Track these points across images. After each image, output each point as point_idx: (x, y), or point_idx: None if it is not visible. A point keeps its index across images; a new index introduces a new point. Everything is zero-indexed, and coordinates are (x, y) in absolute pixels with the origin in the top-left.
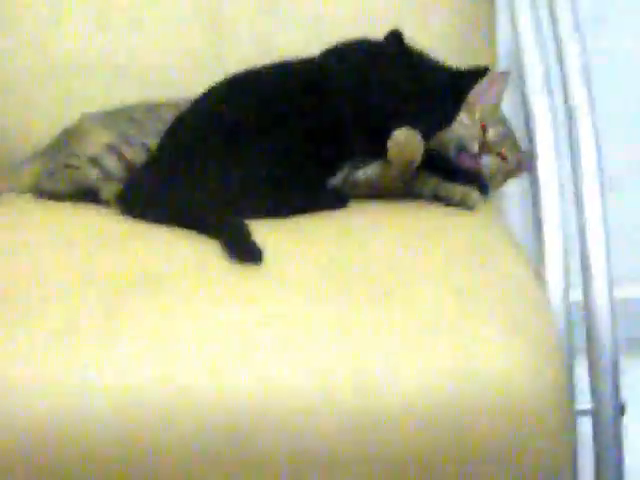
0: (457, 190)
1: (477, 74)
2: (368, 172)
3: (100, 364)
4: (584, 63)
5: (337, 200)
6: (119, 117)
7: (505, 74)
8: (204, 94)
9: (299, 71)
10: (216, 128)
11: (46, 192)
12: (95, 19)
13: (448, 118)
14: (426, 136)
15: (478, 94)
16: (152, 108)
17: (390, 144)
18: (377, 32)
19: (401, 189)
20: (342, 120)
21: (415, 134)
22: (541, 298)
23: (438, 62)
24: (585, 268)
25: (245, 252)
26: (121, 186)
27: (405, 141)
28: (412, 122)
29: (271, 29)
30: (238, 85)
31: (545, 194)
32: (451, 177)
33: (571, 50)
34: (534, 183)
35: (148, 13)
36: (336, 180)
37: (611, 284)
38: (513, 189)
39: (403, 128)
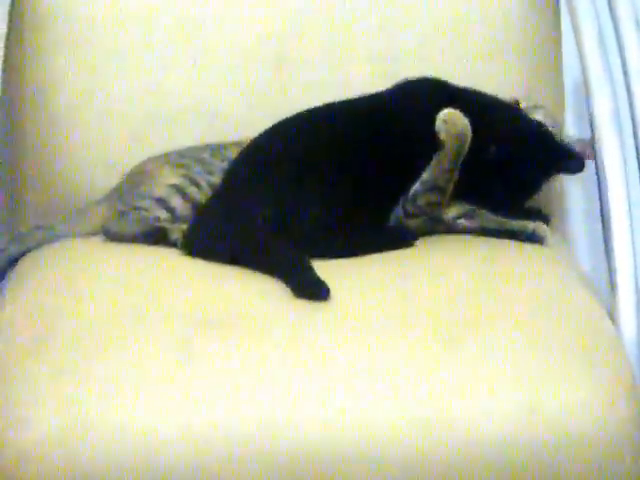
0: (527, 223)
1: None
2: (421, 185)
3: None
4: None
5: (405, 238)
6: (184, 158)
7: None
8: (270, 130)
9: (368, 106)
10: (283, 164)
11: (114, 235)
12: (159, 60)
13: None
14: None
15: None
16: (217, 148)
17: (439, 122)
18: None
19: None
20: (410, 154)
21: (460, 113)
22: (612, 332)
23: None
24: None
25: (311, 289)
26: (187, 227)
27: (453, 119)
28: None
29: (343, 68)
30: (306, 121)
31: (616, 222)
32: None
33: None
34: (604, 210)
35: (213, 55)
36: (397, 211)
37: None
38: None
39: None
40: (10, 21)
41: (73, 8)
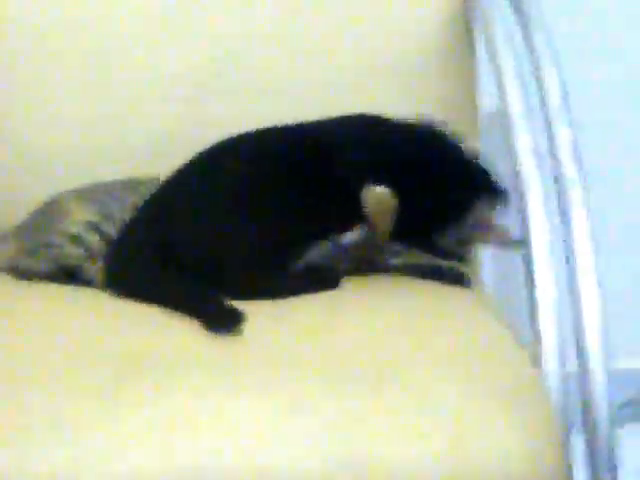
0: (453, 264)
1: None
2: (351, 237)
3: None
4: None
5: (330, 280)
6: (98, 194)
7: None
8: (194, 160)
9: (297, 137)
10: (206, 196)
11: (24, 272)
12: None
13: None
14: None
15: None
16: (130, 184)
17: (366, 200)
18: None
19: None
20: (340, 191)
21: (386, 191)
22: (536, 377)
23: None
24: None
25: (223, 319)
26: (103, 264)
27: (379, 196)
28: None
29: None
30: (232, 149)
31: (537, 264)
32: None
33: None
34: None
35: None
36: (321, 252)
37: (606, 357)
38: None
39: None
40: None
41: None
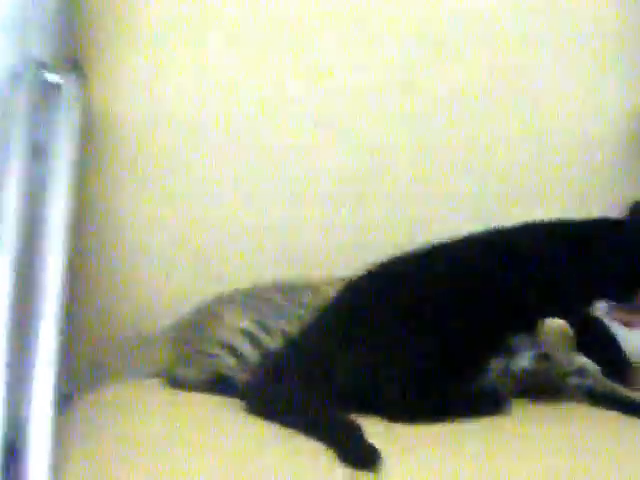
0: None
1: None
2: (525, 362)
3: None
4: None
5: (495, 404)
6: (256, 299)
7: None
8: (365, 278)
9: (476, 250)
10: (364, 318)
11: (178, 381)
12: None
13: None
14: None
15: None
16: (291, 290)
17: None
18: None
19: (561, 387)
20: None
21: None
22: None
23: None
24: None
25: (359, 455)
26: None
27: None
28: None
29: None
30: (397, 272)
31: None
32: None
33: None
34: None
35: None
36: (491, 372)
37: None
38: None
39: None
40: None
41: (146, 139)
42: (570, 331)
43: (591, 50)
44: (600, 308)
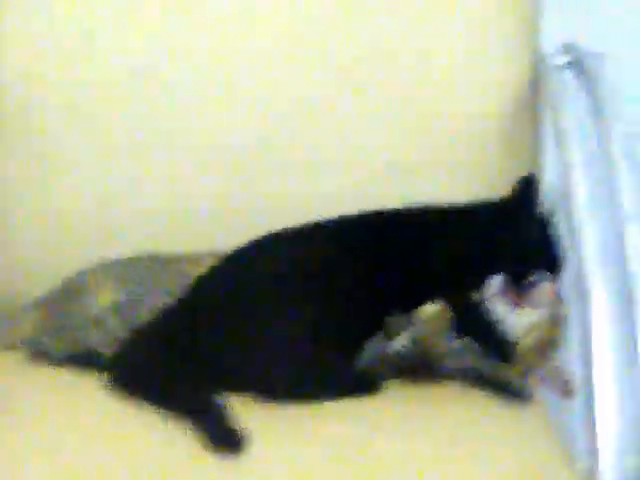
0: (514, 377)
1: None
2: (400, 344)
3: None
4: None
5: (369, 385)
6: (129, 271)
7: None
8: (241, 251)
9: (346, 231)
10: (236, 293)
11: (43, 351)
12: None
13: None
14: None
15: None
16: (167, 263)
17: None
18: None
19: (436, 367)
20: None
21: (442, 309)
22: None
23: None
24: None
25: (223, 439)
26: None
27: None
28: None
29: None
30: (273, 247)
31: (598, 355)
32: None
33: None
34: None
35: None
36: (366, 354)
37: None
38: None
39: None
40: None
41: (28, 120)
42: (448, 313)
43: (471, 21)
44: (491, 287)
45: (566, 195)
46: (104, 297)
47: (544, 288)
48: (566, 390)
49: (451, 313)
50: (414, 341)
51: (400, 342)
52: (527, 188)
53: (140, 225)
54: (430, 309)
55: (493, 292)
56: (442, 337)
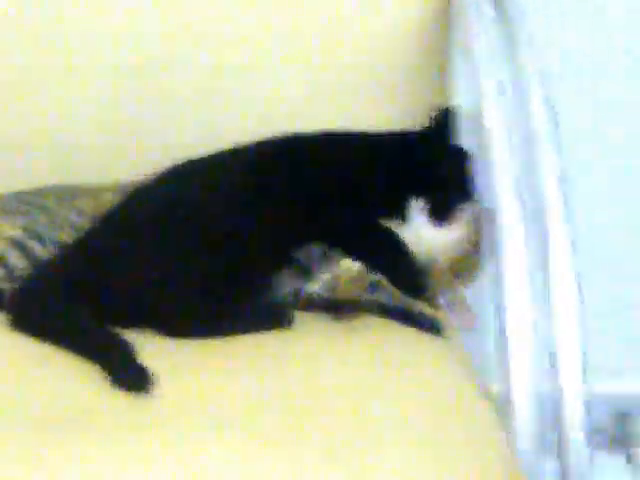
0: (427, 311)
1: None
2: (314, 290)
3: None
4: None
5: (280, 319)
6: (28, 204)
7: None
8: (140, 188)
9: (253, 159)
10: (143, 226)
11: None
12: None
13: None
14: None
15: None
16: (69, 196)
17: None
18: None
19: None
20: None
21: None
22: (506, 445)
23: None
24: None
25: (131, 377)
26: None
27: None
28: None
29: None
30: (180, 178)
31: (510, 283)
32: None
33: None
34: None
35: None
36: (281, 291)
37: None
38: None
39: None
40: None
41: None
42: (368, 276)
43: None
44: (411, 209)
45: (478, 123)
46: (2, 230)
47: (463, 214)
48: (465, 320)
49: (371, 275)
50: (328, 290)
51: (314, 288)
52: (445, 119)
53: (35, 159)
54: (349, 267)
55: (413, 214)
56: (358, 294)
